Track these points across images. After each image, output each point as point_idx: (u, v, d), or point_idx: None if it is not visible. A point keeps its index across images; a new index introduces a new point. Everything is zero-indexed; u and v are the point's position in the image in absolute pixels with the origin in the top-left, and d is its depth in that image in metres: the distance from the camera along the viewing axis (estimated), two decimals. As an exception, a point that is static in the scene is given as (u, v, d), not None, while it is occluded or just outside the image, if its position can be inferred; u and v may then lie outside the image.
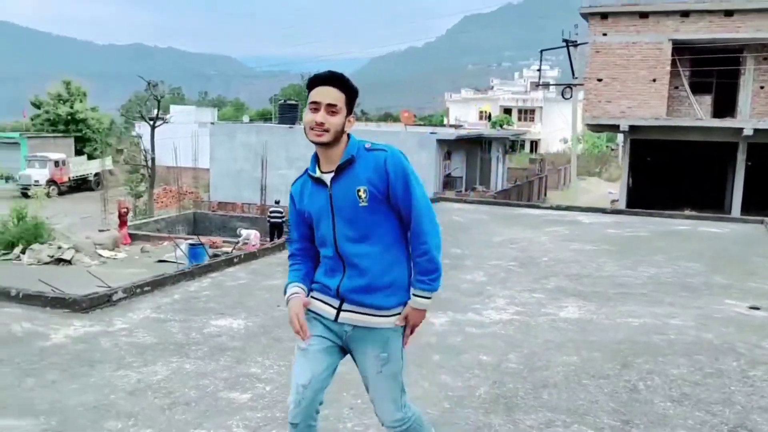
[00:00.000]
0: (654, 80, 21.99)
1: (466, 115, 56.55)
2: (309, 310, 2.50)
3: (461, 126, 37.04)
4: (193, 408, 3.54)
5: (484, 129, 38.06)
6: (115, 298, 5.33)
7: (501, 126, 50.05)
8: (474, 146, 31.16)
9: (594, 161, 51.05)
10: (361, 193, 2.35)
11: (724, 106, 22.98)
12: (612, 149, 53.09)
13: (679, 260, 7.67)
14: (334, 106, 2.31)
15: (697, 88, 23.13)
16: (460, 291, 6.10)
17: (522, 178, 34.53)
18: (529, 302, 5.80)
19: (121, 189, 34.97)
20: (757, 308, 5.77)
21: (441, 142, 27.22)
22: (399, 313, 2.46)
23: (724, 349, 4.67)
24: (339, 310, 2.44)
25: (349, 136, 2.42)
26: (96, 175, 40.03)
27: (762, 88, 22.51)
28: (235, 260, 6.69)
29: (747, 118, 21.82)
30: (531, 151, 56.78)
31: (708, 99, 23.21)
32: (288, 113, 30.09)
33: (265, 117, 52.72)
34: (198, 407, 3.55)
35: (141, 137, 36.30)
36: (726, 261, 7.75)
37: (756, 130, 20.79)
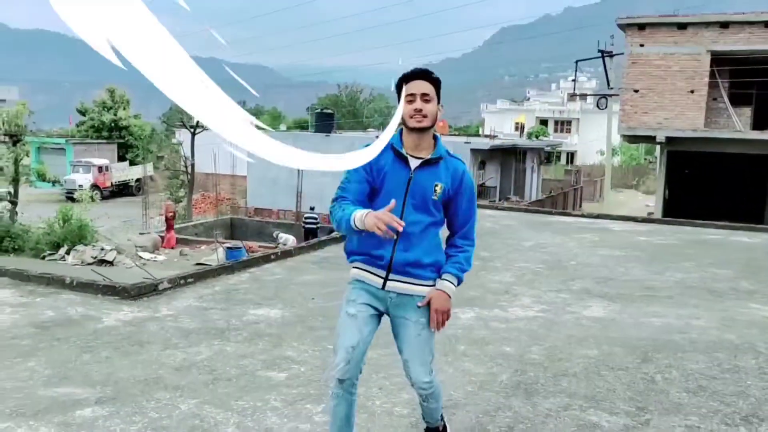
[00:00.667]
0: (692, 91, 21.84)
1: (501, 125, 56.48)
2: (356, 279, 2.81)
3: (496, 136, 37.12)
4: (234, 383, 3.83)
5: (519, 139, 38.06)
6: (160, 287, 5.67)
7: (537, 137, 49.91)
8: (509, 156, 31.20)
9: (631, 173, 50.47)
10: (437, 189, 2.72)
11: (764, 118, 22.68)
12: (650, 162, 52.44)
13: (708, 267, 7.74)
14: (427, 95, 2.69)
15: (737, 100, 22.88)
16: (488, 289, 6.30)
17: (557, 189, 34.41)
18: (554, 301, 5.97)
19: (161, 195, 35.89)
20: (782, 312, 5.85)
21: (475, 152, 27.36)
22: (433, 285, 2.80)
23: (744, 348, 4.79)
24: (386, 279, 2.75)
25: (437, 138, 2.82)
26: (137, 180, 41.16)
27: (804, 99, 22.19)
28: (272, 257, 7.01)
29: (788, 131, 21.51)
30: (567, 162, 56.40)
31: (747, 111, 22.94)
32: (324, 122, 30.54)
33: (301, 126, 53.46)
34: (238, 383, 3.84)
35: (181, 144, 37.25)
36: (755, 268, 7.79)
37: (797, 143, 20.50)
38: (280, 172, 30.01)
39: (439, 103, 2.76)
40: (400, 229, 2.48)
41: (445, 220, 2.85)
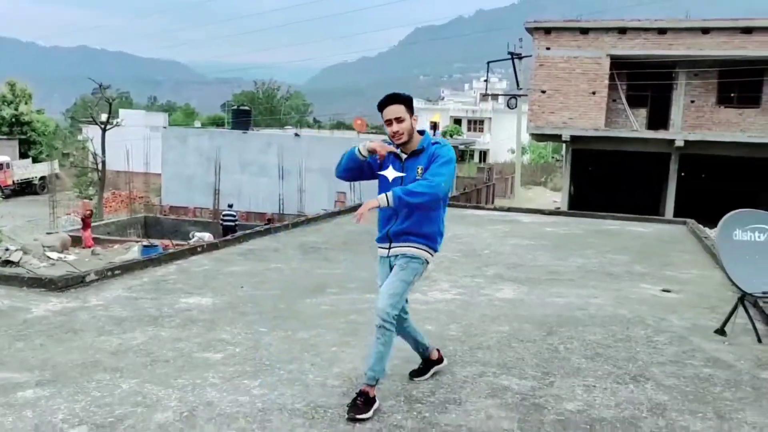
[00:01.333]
0: (594, 93, 23.21)
1: (417, 125, 57.44)
2: (379, 255, 3.70)
3: (412, 134, 37.88)
4: (171, 364, 4.01)
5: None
6: (88, 279, 5.72)
7: (451, 136, 51.16)
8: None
9: (540, 171, 52.63)
10: (419, 170, 3.46)
11: (659, 118, 24.39)
12: (557, 160, 54.91)
13: (606, 254, 8.46)
14: (399, 117, 3.44)
15: (634, 102, 24.48)
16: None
17: (470, 186, 35.54)
18: (469, 285, 6.44)
19: (68, 193, 34.50)
20: (668, 291, 6.55)
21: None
22: (422, 249, 3.56)
23: (635, 321, 5.39)
24: (389, 249, 3.60)
25: (423, 132, 3.58)
26: (42, 178, 39.33)
27: (692, 102, 24.00)
28: (199, 249, 7.14)
29: (679, 130, 23.24)
30: (480, 160, 58.14)
31: (643, 112, 24.58)
32: (241, 119, 30.30)
33: (216, 123, 52.58)
34: (176, 363, 4.03)
35: (90, 140, 35.89)
36: (647, 254, 8.57)
37: (687, 142, 22.16)
38: (196, 169, 29.58)
39: (413, 115, 3.49)
40: (397, 150, 3.48)
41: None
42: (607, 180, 26.48)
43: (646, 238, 10.03)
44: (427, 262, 3.66)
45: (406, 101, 3.50)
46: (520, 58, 23.28)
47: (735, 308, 5.01)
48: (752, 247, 4.96)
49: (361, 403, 3.36)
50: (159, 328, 4.72)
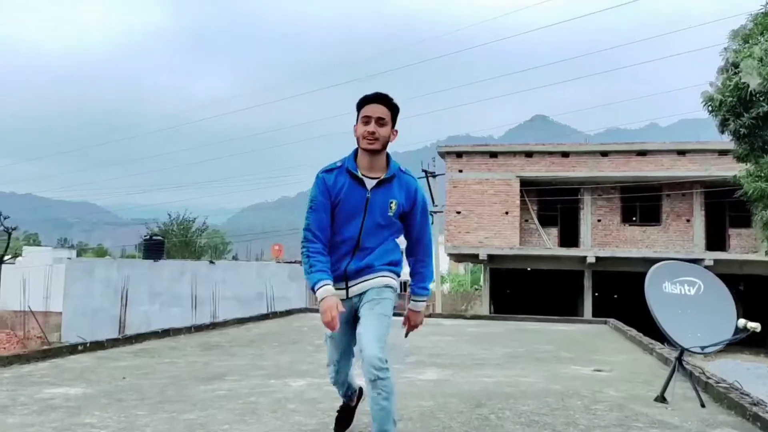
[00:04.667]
0: (507, 213, 23.86)
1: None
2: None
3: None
4: (12, 448, 3.17)
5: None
6: (-69, 375, 4.74)
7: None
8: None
9: (460, 299, 52.89)
10: (392, 205, 2.94)
11: (569, 237, 25.18)
12: (476, 289, 55.51)
13: (532, 344, 8.05)
14: (383, 119, 2.88)
15: (545, 221, 25.30)
16: (320, 366, 6.00)
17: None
18: (389, 372, 5.80)
19: (-44, 335, 31.43)
20: (600, 371, 6.13)
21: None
22: (393, 275, 3.03)
23: (570, 394, 4.89)
24: (347, 289, 2.97)
25: (389, 156, 3.00)
26: (-74, 320, 35.93)
27: (599, 221, 25.02)
28: (80, 347, 6.21)
29: (588, 248, 23.97)
30: (401, 290, 58.11)
31: (554, 231, 25.37)
32: (153, 248, 29.13)
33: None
34: (19, 447, 3.18)
35: (-15, 277, 33.43)
36: (573, 343, 8.22)
37: (598, 259, 22.80)
38: (102, 301, 27.77)
39: (393, 128, 2.95)
40: (330, 334, 3.03)
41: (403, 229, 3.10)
42: (525, 298, 26.65)
43: (569, 333, 9.74)
44: (396, 291, 3.10)
45: (395, 109, 2.97)
46: (435, 176, 23.89)
47: (673, 369, 4.62)
48: (683, 301, 4.67)
49: None
50: (7, 415, 3.83)
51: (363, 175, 2.92)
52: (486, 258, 23.65)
